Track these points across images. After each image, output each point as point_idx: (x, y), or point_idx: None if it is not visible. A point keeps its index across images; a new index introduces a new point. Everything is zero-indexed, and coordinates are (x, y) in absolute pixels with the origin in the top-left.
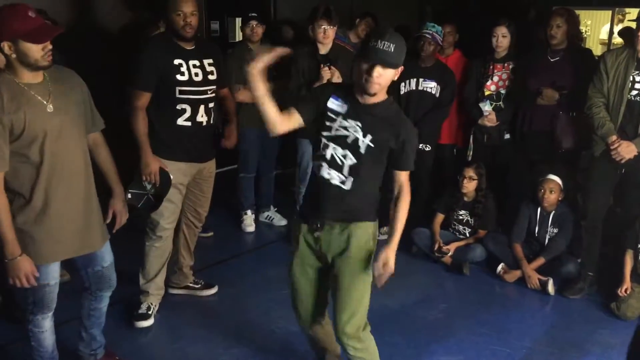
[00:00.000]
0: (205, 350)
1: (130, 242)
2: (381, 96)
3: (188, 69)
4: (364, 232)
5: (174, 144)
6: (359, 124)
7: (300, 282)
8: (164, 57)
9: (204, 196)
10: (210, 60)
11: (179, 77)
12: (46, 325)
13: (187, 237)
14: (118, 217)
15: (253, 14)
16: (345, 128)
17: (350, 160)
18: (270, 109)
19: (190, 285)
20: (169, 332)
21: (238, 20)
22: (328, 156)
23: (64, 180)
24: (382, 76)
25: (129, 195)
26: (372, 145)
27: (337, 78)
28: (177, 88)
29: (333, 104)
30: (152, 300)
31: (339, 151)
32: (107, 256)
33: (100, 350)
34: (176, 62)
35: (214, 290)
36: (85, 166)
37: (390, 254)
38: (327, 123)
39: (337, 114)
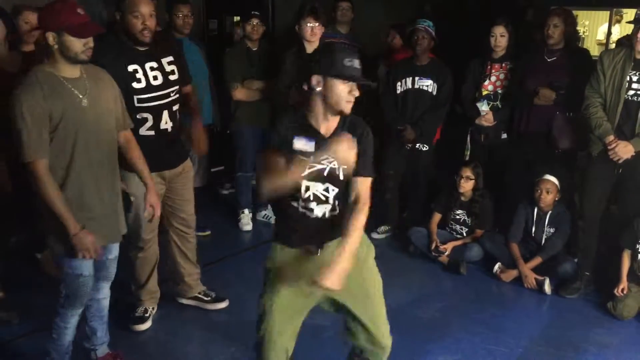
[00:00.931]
0: (203, 349)
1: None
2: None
3: (145, 74)
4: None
5: None
6: (332, 154)
7: (287, 310)
8: (116, 64)
9: (184, 200)
10: (170, 59)
11: (135, 84)
12: (72, 322)
13: (181, 246)
14: (154, 210)
15: (256, 12)
16: (319, 162)
17: (333, 190)
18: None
19: (199, 296)
20: (166, 331)
21: (236, 19)
22: (310, 196)
23: (94, 173)
24: None
25: None
26: (346, 167)
27: None
28: (135, 97)
29: (299, 144)
30: (148, 305)
31: (320, 187)
32: (114, 249)
33: (102, 348)
34: (130, 68)
35: (224, 305)
36: (113, 160)
37: (334, 270)
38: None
39: (307, 154)
